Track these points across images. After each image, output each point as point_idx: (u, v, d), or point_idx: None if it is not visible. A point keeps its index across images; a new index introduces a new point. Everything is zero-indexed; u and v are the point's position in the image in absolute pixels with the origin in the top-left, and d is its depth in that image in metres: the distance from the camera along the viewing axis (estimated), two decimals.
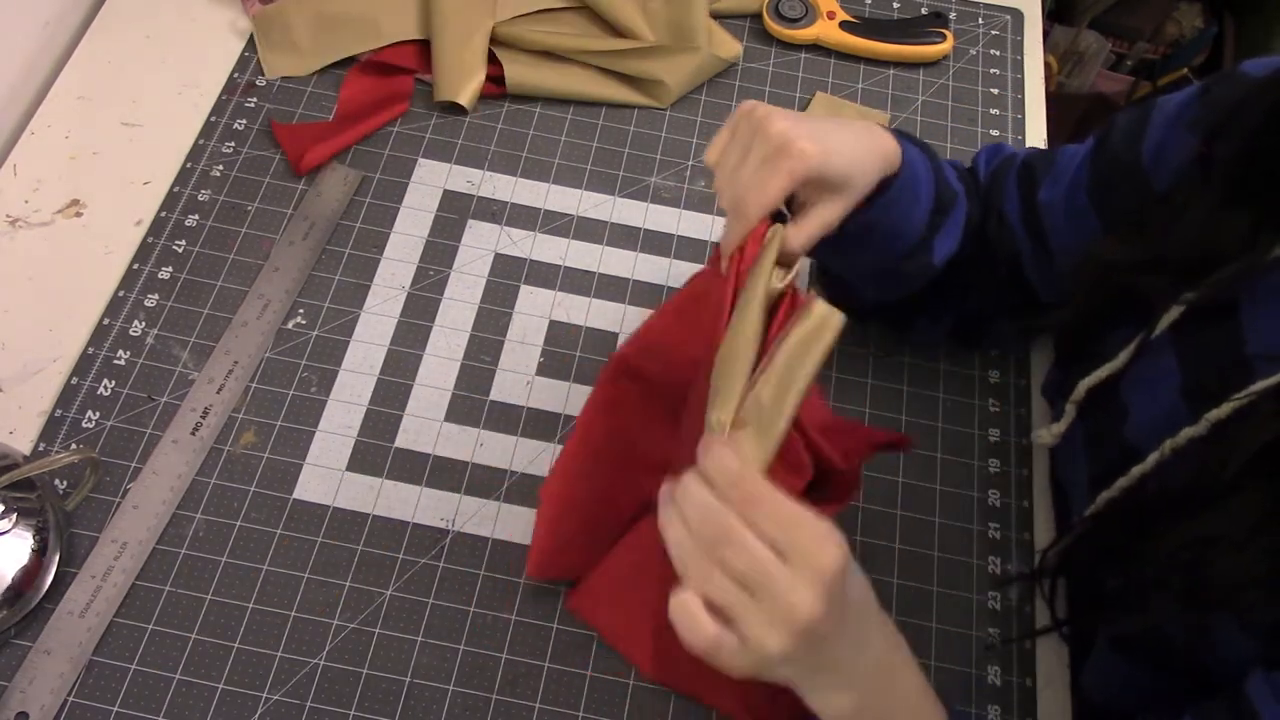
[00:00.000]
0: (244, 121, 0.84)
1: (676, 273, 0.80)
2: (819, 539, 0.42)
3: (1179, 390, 0.54)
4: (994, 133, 0.90)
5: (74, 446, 0.68)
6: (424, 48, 0.88)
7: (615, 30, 0.90)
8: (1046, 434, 0.64)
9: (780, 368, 0.46)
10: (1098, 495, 0.58)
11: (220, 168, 0.81)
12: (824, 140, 0.52)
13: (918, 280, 0.64)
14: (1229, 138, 0.53)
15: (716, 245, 0.56)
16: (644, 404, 0.64)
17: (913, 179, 0.59)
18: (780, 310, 0.50)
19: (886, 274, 0.64)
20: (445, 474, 0.70)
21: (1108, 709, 0.62)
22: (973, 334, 0.75)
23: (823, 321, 0.46)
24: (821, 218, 0.54)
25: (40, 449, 0.68)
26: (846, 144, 0.55)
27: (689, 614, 0.43)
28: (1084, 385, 0.60)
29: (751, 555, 0.42)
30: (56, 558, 0.63)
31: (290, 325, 0.74)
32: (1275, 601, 0.46)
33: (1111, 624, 0.58)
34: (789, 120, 0.52)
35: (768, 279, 0.50)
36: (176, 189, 0.80)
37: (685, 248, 0.81)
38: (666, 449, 0.66)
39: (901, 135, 0.60)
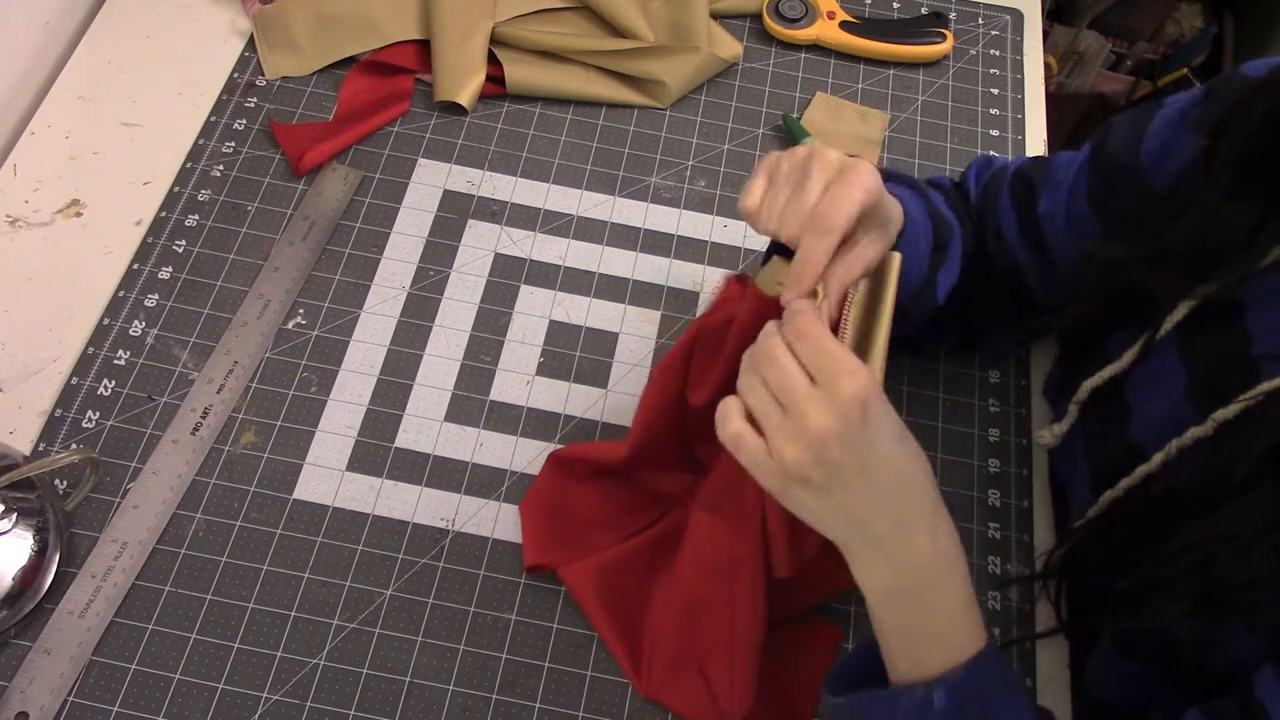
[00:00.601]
0: (244, 121, 0.84)
1: (676, 273, 0.79)
2: (847, 372, 0.46)
3: (1184, 391, 0.54)
4: (994, 133, 0.90)
5: (74, 446, 0.68)
6: (424, 48, 0.88)
7: (615, 30, 0.90)
8: (1048, 434, 0.64)
9: (858, 318, 0.53)
10: (1099, 495, 0.58)
11: (220, 168, 0.81)
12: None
13: (922, 317, 0.64)
14: (1231, 137, 0.53)
15: (735, 277, 0.58)
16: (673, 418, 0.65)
17: (913, 231, 0.59)
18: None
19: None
20: (445, 474, 0.70)
21: (1110, 707, 0.62)
22: (973, 345, 0.75)
23: (882, 265, 0.54)
24: (866, 255, 0.54)
25: (40, 449, 0.68)
26: None
27: (726, 411, 0.49)
28: (1088, 385, 0.60)
29: (785, 375, 0.47)
30: (56, 558, 0.63)
31: (290, 325, 0.74)
32: None
33: (1115, 623, 0.58)
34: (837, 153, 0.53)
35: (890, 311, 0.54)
36: (176, 189, 0.80)
37: (685, 248, 0.81)
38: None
39: (889, 175, 0.59)
